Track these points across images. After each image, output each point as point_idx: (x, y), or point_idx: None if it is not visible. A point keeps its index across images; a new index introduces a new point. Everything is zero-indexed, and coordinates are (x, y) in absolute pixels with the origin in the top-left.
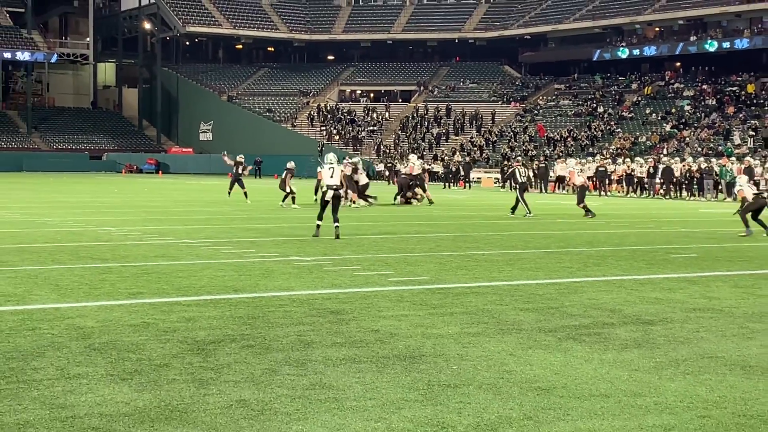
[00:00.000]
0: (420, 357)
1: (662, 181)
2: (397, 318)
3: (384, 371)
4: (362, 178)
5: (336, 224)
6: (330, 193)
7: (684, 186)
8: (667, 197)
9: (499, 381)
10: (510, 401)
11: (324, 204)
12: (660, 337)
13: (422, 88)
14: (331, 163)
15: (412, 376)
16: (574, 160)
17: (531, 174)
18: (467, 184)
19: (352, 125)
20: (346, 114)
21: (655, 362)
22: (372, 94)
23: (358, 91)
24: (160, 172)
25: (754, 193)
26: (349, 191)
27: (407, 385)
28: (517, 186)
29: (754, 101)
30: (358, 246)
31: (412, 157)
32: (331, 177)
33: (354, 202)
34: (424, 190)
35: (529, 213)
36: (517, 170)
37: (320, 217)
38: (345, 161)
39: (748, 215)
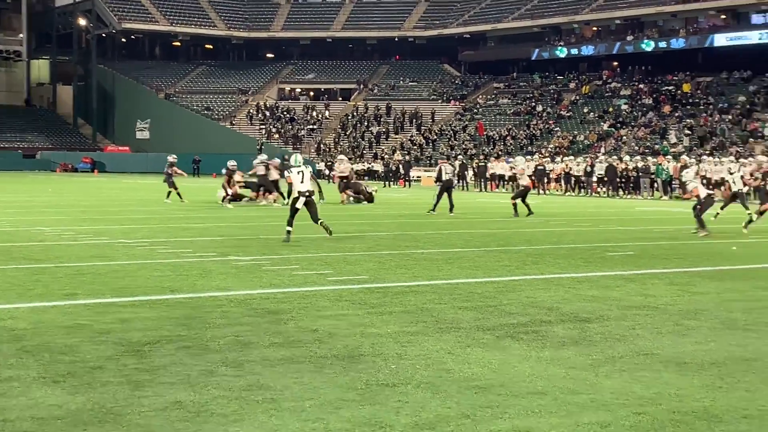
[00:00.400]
0: (358, 356)
1: (606, 179)
2: (336, 317)
3: (322, 371)
4: (273, 174)
5: (320, 221)
6: (301, 201)
7: (621, 184)
8: (613, 196)
9: (437, 380)
10: (448, 400)
11: (294, 211)
12: (597, 334)
13: (362, 86)
14: (300, 167)
15: (351, 375)
16: (523, 159)
17: (471, 173)
18: (407, 183)
19: (292, 124)
20: (285, 112)
21: (592, 360)
22: (311, 93)
23: (298, 90)
24: (96, 170)
25: (708, 193)
26: (268, 192)
27: (345, 384)
28: (441, 183)
29: (690, 100)
30: (297, 245)
31: (341, 158)
32: (302, 182)
33: (275, 201)
34: (356, 191)
35: (433, 211)
36: (442, 167)
37: (290, 223)
38: (269, 160)
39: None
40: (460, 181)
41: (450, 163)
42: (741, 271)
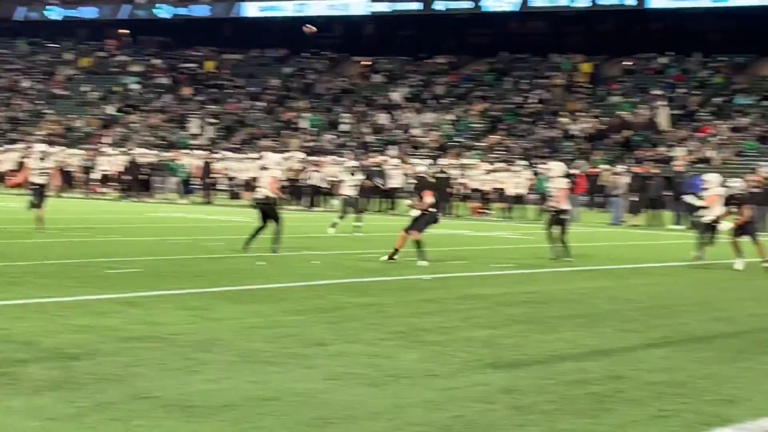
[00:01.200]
0: None
1: (109, 177)
2: None
3: None
4: None
5: None
6: None
7: (130, 184)
8: (122, 198)
9: None
10: None
11: None
12: (86, 374)
13: None
14: None
15: None
16: (41, 152)
17: None
18: None
19: None
20: None
21: (77, 407)
22: None
23: None
24: None
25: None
26: None
27: None
28: None
29: (215, 82)
30: None
31: None
32: None
33: None
34: None
35: None
36: None
37: None
38: None
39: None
40: None
41: None
42: (267, 291)
